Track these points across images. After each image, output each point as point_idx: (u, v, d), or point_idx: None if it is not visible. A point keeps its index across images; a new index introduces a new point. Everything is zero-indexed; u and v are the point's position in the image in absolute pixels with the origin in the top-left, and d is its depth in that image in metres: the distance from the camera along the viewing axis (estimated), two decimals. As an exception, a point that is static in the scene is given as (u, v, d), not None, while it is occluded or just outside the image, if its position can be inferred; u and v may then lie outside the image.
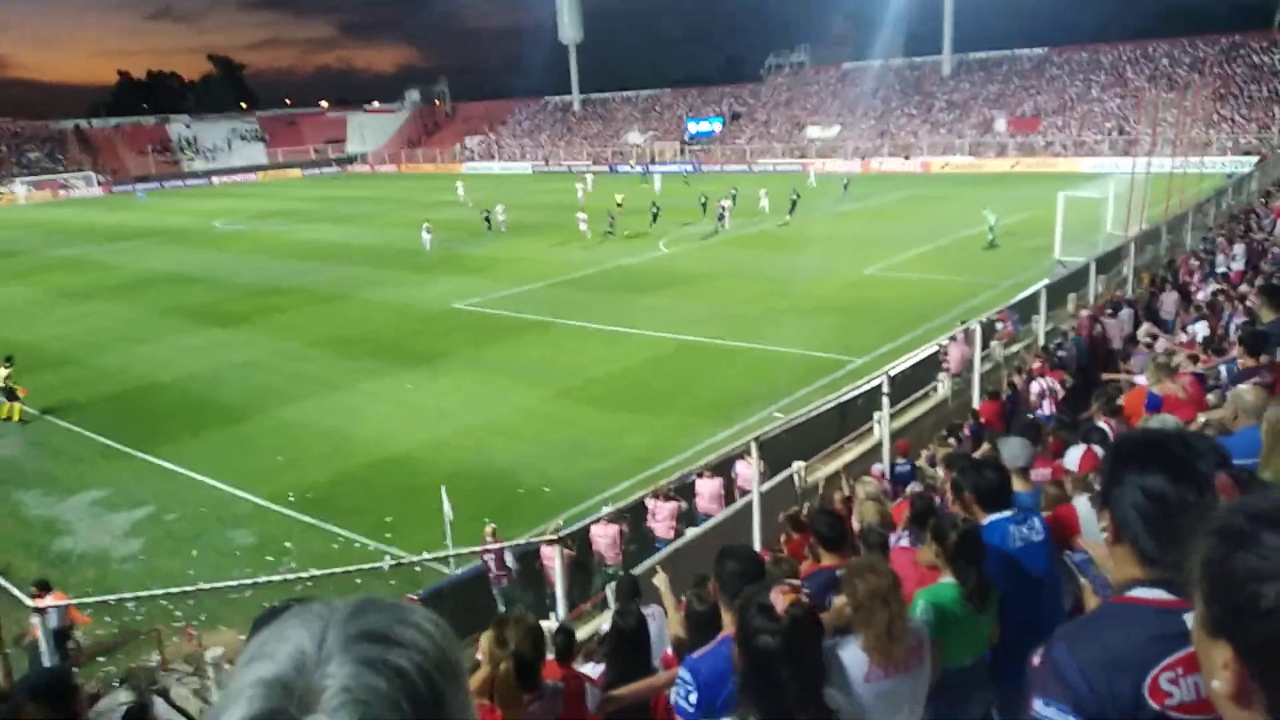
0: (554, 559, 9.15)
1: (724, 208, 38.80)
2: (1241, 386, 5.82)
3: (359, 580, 11.55)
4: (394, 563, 10.11)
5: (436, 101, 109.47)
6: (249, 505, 14.63)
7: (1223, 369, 8.63)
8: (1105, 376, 10.28)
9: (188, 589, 11.12)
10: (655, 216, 39.57)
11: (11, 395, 19.08)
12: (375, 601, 0.89)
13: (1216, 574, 1.01)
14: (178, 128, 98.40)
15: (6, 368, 19.22)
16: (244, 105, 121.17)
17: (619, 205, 41.39)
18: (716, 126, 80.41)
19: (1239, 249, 18.37)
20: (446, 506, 11.67)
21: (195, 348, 23.99)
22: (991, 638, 4.28)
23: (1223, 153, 50.04)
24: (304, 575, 11.36)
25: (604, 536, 10.77)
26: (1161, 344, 12.98)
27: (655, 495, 11.45)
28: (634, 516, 11.51)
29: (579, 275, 31.00)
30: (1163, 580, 1.82)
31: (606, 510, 11.20)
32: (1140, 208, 27.49)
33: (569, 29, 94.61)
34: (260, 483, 15.26)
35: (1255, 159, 41.86)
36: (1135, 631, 1.79)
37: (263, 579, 11.45)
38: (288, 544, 13.32)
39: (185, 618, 10.94)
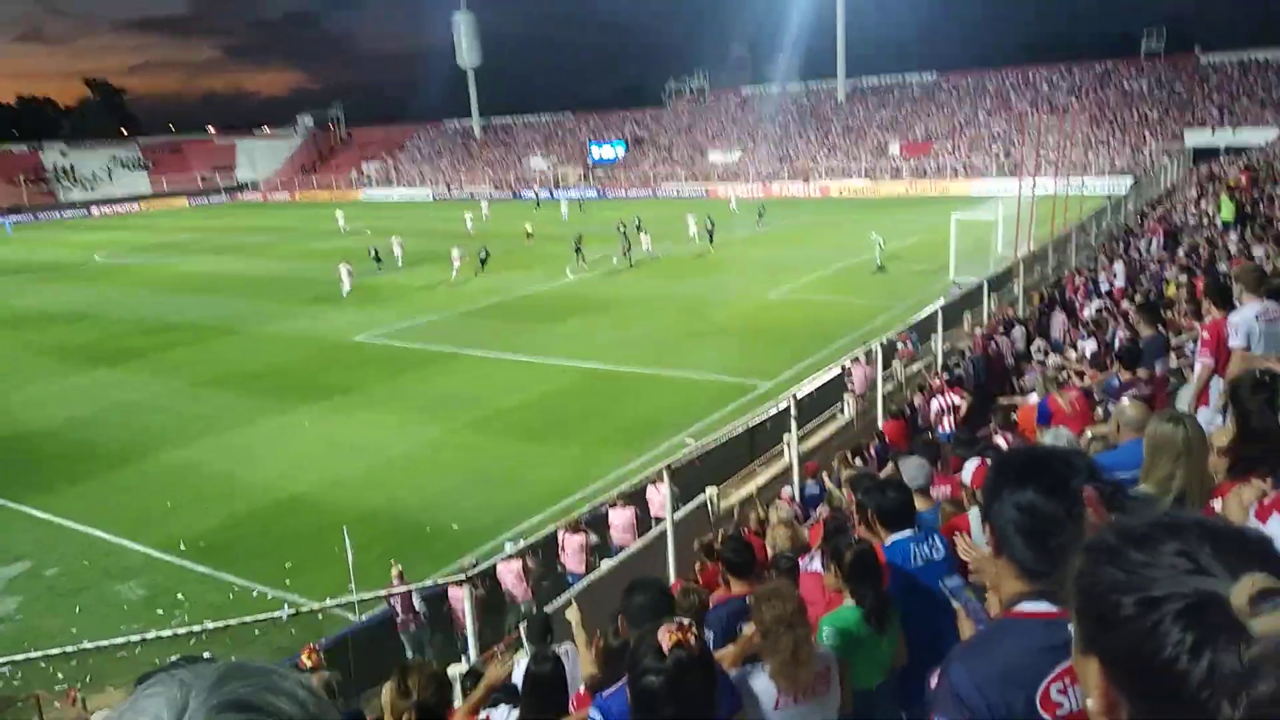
0: (463, 600, 8.87)
1: (625, 236, 38.04)
2: (1123, 401, 6.05)
3: (257, 631, 10.99)
4: (292, 611, 9.65)
5: (330, 126, 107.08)
6: (137, 555, 13.83)
7: (1112, 383, 9.00)
8: (1003, 400, 10.58)
9: (69, 648, 10.40)
10: (578, 248, 36.66)
11: None
12: (242, 667, 0.84)
13: (1084, 589, 1.04)
14: (53, 156, 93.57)
15: None
16: (124, 131, 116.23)
17: (529, 235, 41.12)
18: (620, 151, 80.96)
19: (1119, 267, 19.33)
20: (349, 548, 11.24)
21: (75, 389, 22.70)
22: (897, 658, 4.31)
23: (1101, 174, 52.90)
24: (196, 628, 10.76)
25: (509, 573, 10.53)
26: (1052, 360, 13.51)
27: (566, 528, 11.27)
28: (546, 550, 11.31)
29: (486, 304, 30.64)
30: (1045, 592, 1.89)
31: (510, 546, 10.98)
32: (1028, 229, 28.76)
33: (467, 53, 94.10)
34: (149, 531, 14.46)
35: (1130, 180, 44.34)
36: (1025, 644, 1.85)
37: (152, 634, 10.82)
38: (180, 595, 12.62)
39: (68, 679, 10.22)
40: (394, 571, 10.77)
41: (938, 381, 13.80)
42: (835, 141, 71.62)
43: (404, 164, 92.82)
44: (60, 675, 10.39)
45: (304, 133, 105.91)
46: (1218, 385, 6.24)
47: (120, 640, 10.27)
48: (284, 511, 14.98)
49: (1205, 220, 23.10)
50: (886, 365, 15.32)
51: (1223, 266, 14.22)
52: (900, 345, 17.16)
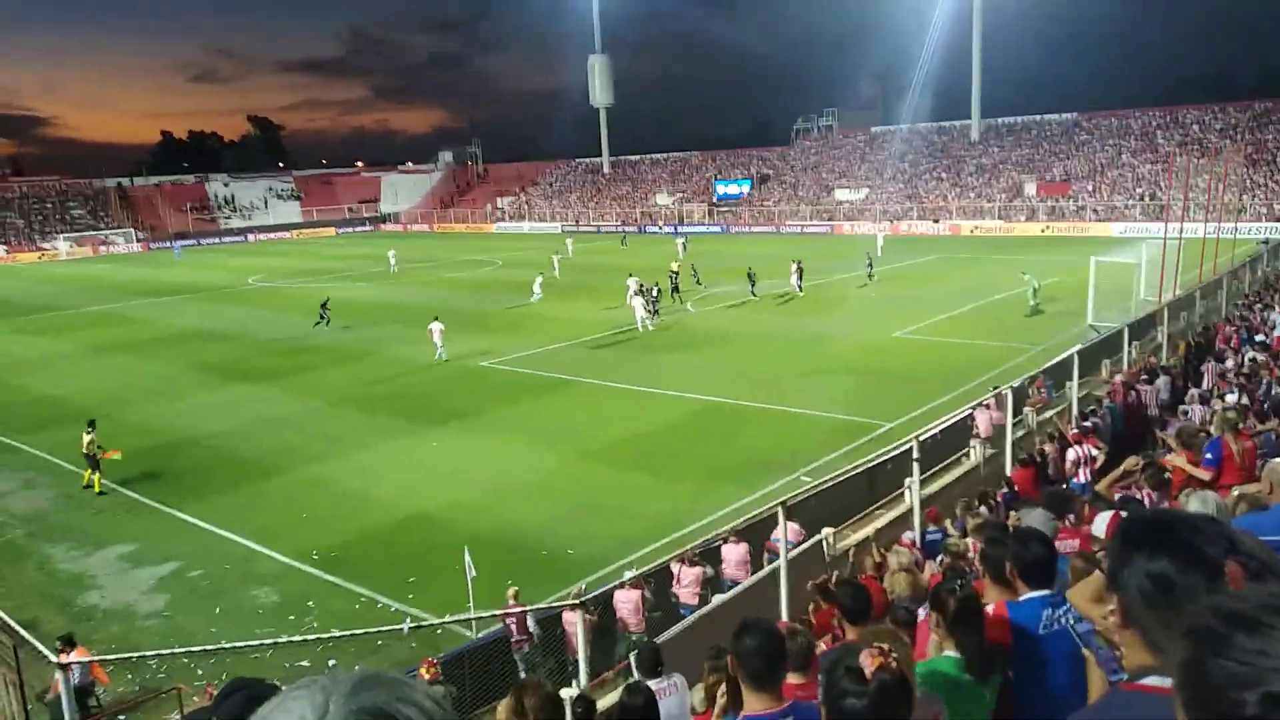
0: (576, 624, 8.99)
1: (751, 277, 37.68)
2: (1276, 460, 5.67)
3: (380, 642, 11.47)
4: (414, 625, 10.00)
5: (469, 162, 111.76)
6: (273, 563, 14.60)
7: (1268, 438, 8.44)
8: (1162, 459, 9.94)
9: (209, 648, 11.07)
10: (674, 286, 37.02)
11: (95, 464, 18.09)
12: (377, 676, 0.91)
13: (1195, 681, 0.96)
14: (216, 186, 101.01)
15: (89, 433, 18.29)
16: (281, 165, 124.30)
17: (674, 270, 41.32)
18: (744, 189, 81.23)
19: (1277, 316, 18.12)
20: (469, 567, 11.56)
21: (224, 404, 24.25)
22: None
23: (1257, 219, 49.75)
24: (324, 636, 11.28)
25: (627, 602, 10.61)
26: (1199, 412, 12.74)
27: (680, 560, 11.28)
28: (659, 582, 11.35)
29: (605, 335, 31.13)
30: None
31: (629, 575, 11.04)
32: (1173, 273, 27.27)
33: (600, 93, 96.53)
34: (284, 540, 15.25)
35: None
36: None
37: (284, 639, 11.40)
38: (310, 603, 13.24)
39: (206, 677, 10.84)
40: (509, 592, 11.01)
41: (1074, 431, 13.21)
42: (967, 181, 69.81)
43: (535, 199, 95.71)
44: (200, 671, 11.06)
45: (444, 168, 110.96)
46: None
47: (255, 643, 10.83)
48: (408, 528, 15.55)
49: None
50: (1017, 411, 14.77)
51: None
52: (1033, 391, 16.52)
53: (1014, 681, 4.27)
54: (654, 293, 33.57)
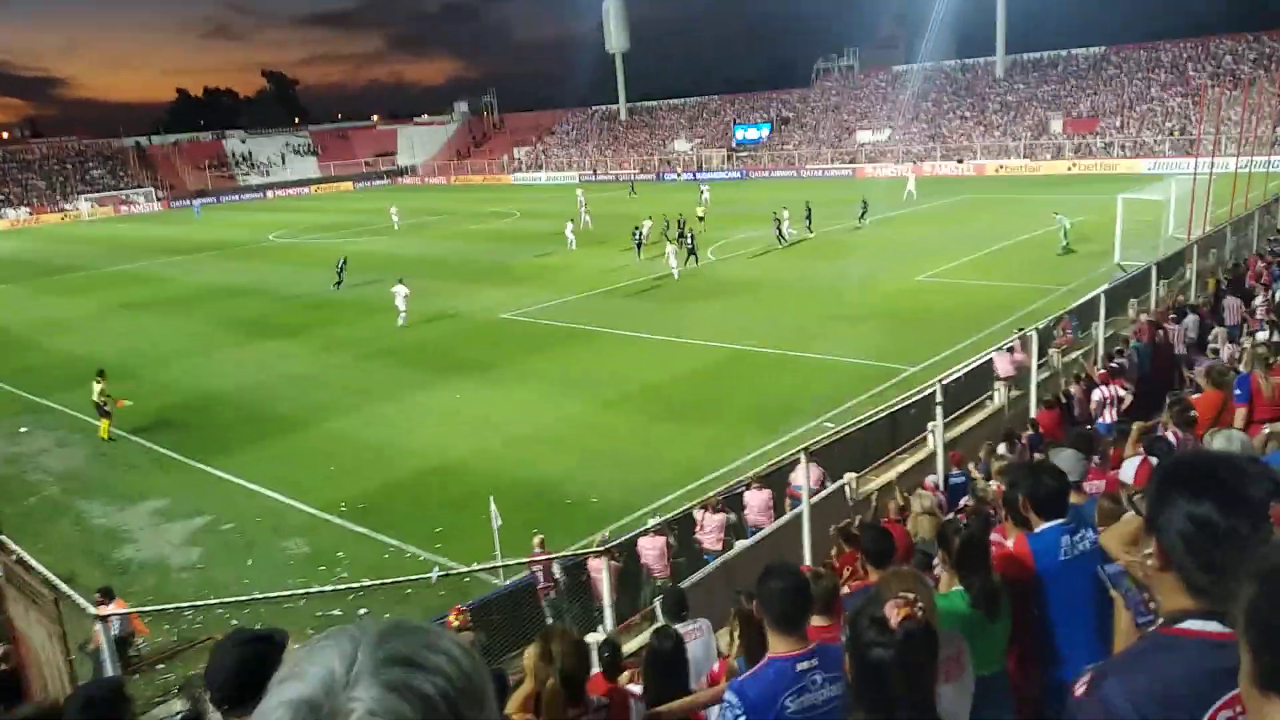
0: (601, 571, 9.09)
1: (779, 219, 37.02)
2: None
3: (409, 590, 11.65)
4: (442, 573, 10.14)
5: (484, 113, 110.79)
6: (302, 515, 14.84)
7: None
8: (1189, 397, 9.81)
9: (243, 599, 11.29)
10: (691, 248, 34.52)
11: (104, 412, 18.68)
12: (405, 625, 0.92)
13: (1263, 624, 0.96)
14: (233, 143, 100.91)
15: (100, 382, 18.86)
16: (297, 120, 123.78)
17: (700, 218, 41.16)
18: (764, 132, 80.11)
19: (1309, 251, 17.71)
20: (495, 516, 11.70)
21: (250, 360, 24.48)
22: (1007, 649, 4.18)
23: (1291, 151, 48.38)
24: (355, 585, 11.48)
25: (652, 549, 10.71)
26: (1227, 351, 12.54)
27: (703, 507, 11.35)
28: (682, 528, 11.44)
29: (626, 284, 31.04)
30: (1215, 612, 1.72)
31: (654, 522, 11.12)
32: (1203, 210, 26.68)
33: (616, 38, 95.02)
34: (313, 493, 15.48)
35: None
36: (1190, 665, 1.70)
37: (315, 589, 11.62)
38: (340, 554, 13.48)
39: (240, 626, 11.10)
40: (535, 540, 11.14)
41: (1100, 371, 13.05)
42: (992, 119, 68.39)
43: (552, 149, 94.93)
44: (234, 622, 11.29)
45: (460, 119, 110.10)
46: None
47: (287, 593, 11.04)
48: (434, 479, 15.73)
49: None
50: (1042, 353, 14.62)
51: None
52: (1058, 332, 16.33)
53: (1040, 610, 4.28)
54: (690, 239, 33.63)
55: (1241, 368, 8.49)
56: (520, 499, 14.08)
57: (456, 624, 8.90)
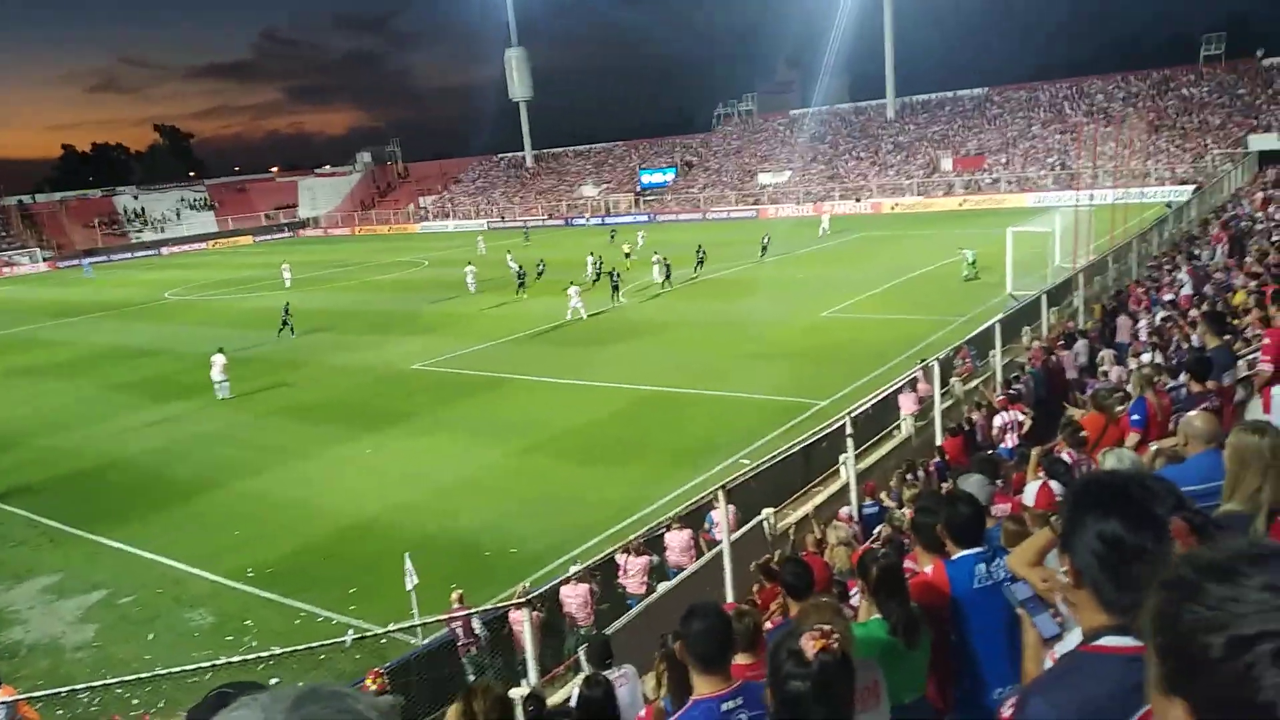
0: (523, 623, 8.93)
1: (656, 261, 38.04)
2: (1191, 413, 5.89)
3: (323, 656, 11.21)
4: (356, 636, 9.82)
5: (389, 162, 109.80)
6: (207, 584, 14.18)
7: (1180, 394, 8.74)
8: (1072, 412, 10.33)
9: (144, 675, 10.69)
10: (599, 275, 37.51)
11: None
12: (320, 690, 0.88)
13: (1166, 628, 1.00)
14: (125, 199, 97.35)
15: None
16: (192, 174, 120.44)
17: (628, 256, 42.02)
18: (669, 176, 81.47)
19: (1184, 276, 18.84)
20: (410, 573, 11.41)
21: (149, 423, 23.44)
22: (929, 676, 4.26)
23: (1161, 183, 51.61)
24: (264, 654, 11.00)
25: (574, 597, 10.58)
26: (1116, 372, 13.19)
27: (625, 550, 11.29)
28: (605, 573, 11.34)
29: (539, 330, 30.95)
30: (1130, 627, 1.79)
31: (575, 569, 11.01)
32: (1086, 239, 28.16)
33: (519, 87, 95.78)
34: (218, 559, 14.83)
35: (1192, 187, 43.19)
36: (1110, 680, 1.76)
37: (222, 660, 11.08)
38: (248, 622, 12.91)
39: (142, 706, 10.53)
40: (454, 595, 10.89)
41: (1000, 397, 13.56)
42: (886, 159, 71.09)
43: (459, 197, 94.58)
44: (135, 701, 10.70)
45: (363, 169, 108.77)
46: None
47: (191, 667, 10.51)
48: (348, 538, 15.26)
49: (1273, 225, 22.40)
50: (945, 382, 15.11)
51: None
52: (959, 361, 16.92)
53: (959, 636, 4.37)
54: (614, 278, 34.68)
55: (1130, 390, 8.94)
56: (439, 553, 13.77)
57: (374, 687, 8.61)
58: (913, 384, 15.37)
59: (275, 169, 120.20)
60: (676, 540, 11.67)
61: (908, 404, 15.24)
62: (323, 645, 10.48)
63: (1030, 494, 6.47)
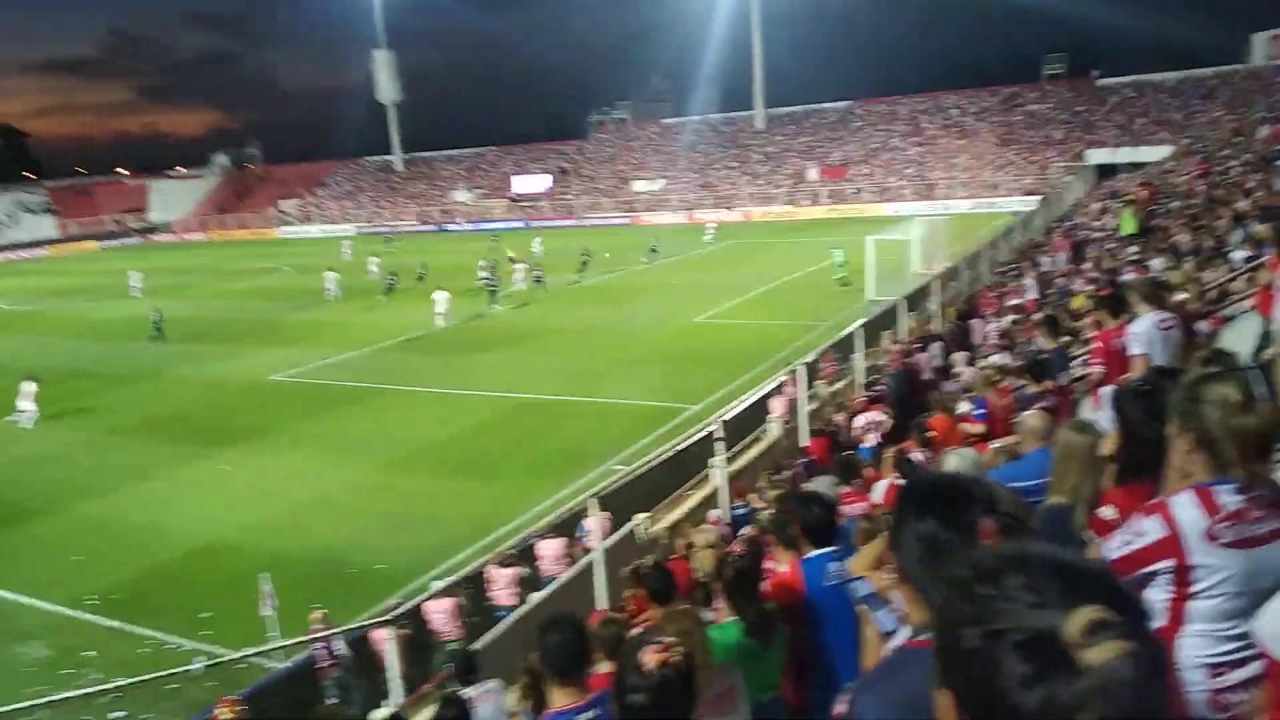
0: (387, 641, 8.63)
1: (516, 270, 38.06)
2: (1027, 412, 6.22)
3: (172, 685, 10.54)
4: (208, 663, 9.27)
5: (248, 165, 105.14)
6: (42, 614, 13.14)
7: (1022, 394, 9.24)
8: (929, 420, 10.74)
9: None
10: (539, 279, 37.22)
11: None
12: None
13: (939, 623, 1.08)
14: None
15: None
16: (30, 175, 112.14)
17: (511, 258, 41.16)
18: (544, 183, 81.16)
19: (1029, 281, 19.98)
20: (267, 594, 10.88)
21: (-24, 442, 21.62)
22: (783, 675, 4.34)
23: (1009, 193, 54.78)
24: (107, 687, 10.26)
25: (439, 611, 10.31)
26: (968, 373, 13.85)
27: (495, 562, 11.10)
28: (476, 586, 11.12)
29: (408, 338, 30.21)
30: None
31: (438, 585, 10.77)
32: (942, 247, 29.55)
33: (386, 89, 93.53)
34: (55, 588, 13.76)
35: (1038, 198, 46.02)
36: (930, 674, 1.79)
37: (59, 696, 10.28)
38: (90, 653, 12.02)
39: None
40: (315, 615, 10.44)
41: (861, 399, 14.02)
42: (756, 169, 72.88)
43: (324, 201, 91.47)
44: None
45: (219, 172, 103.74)
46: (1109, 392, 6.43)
47: (25, 704, 9.74)
48: (201, 560, 14.44)
49: (1108, 234, 24.07)
50: (810, 385, 15.52)
51: (1126, 277, 14.79)
52: (823, 365, 17.42)
53: (813, 633, 4.45)
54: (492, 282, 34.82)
55: (975, 390, 9.39)
56: (300, 573, 13.19)
57: (229, 715, 8.14)
58: (780, 387, 15.74)
59: (124, 171, 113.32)
60: (549, 550, 11.55)
61: (777, 407, 15.58)
62: (172, 674, 9.86)
63: (879, 492, 6.70)
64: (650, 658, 2.48)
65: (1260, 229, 9.06)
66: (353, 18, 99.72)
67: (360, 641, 10.00)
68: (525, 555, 11.62)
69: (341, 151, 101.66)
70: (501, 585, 11.03)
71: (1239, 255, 11.42)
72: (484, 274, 36.24)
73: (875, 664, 2.81)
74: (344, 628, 10.33)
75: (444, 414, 21.26)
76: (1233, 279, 10.55)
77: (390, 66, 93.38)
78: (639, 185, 76.06)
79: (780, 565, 5.00)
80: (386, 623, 9.12)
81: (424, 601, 10.24)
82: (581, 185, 79.82)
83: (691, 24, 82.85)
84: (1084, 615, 0.92)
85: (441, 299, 31.16)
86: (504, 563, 11.13)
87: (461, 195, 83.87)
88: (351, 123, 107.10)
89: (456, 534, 14.47)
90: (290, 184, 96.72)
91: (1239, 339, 6.96)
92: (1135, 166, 46.37)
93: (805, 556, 4.68)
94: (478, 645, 8.96)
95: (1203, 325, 8.90)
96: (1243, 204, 16.46)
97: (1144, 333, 6.53)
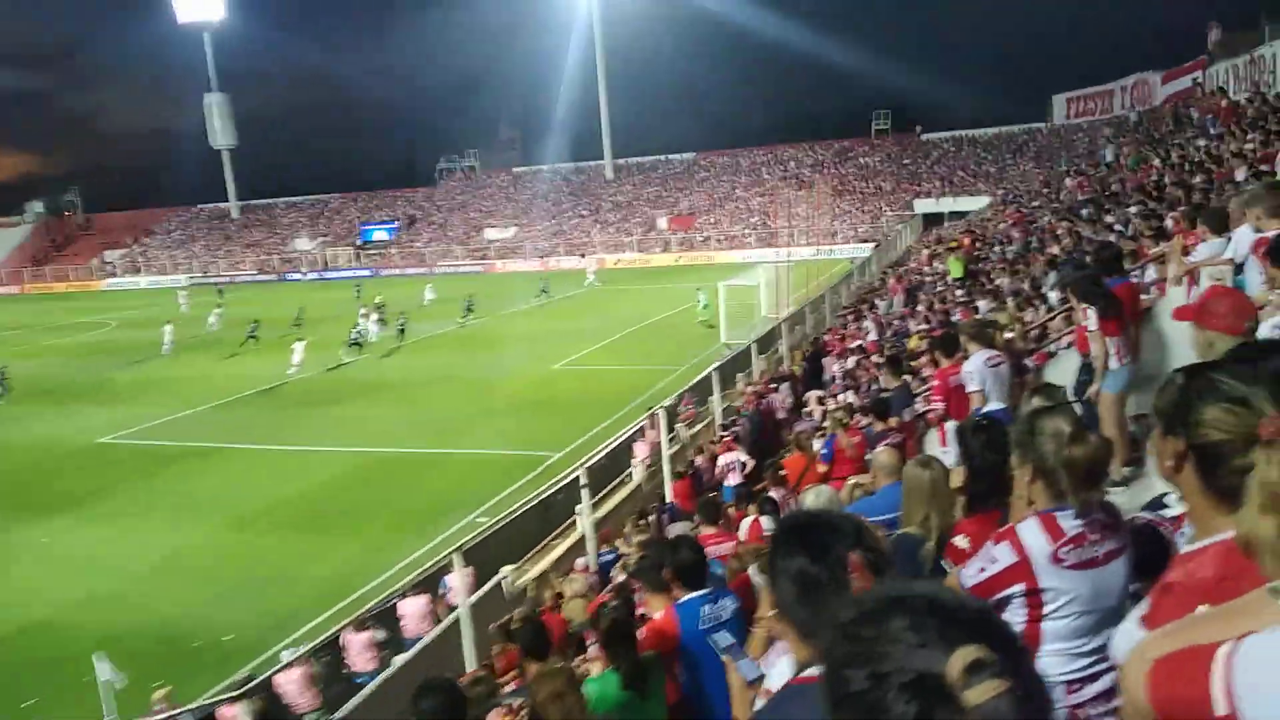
0: (240, 719, 8.13)
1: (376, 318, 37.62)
2: (878, 449, 6.58)
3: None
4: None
5: (67, 213, 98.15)
6: None
7: (870, 432, 9.72)
8: (783, 460, 11.15)
9: None
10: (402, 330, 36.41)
11: None
12: None
13: (826, 665, 1.10)
14: None
15: None
16: None
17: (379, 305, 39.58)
18: (392, 232, 79.63)
19: (869, 324, 21.09)
20: (106, 673, 10.03)
21: None
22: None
23: (847, 241, 57.85)
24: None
25: (290, 683, 9.78)
26: (819, 412, 14.45)
27: (351, 627, 10.67)
28: (332, 652, 10.63)
29: (254, 392, 28.79)
30: None
31: (287, 655, 10.25)
32: (787, 292, 30.81)
33: (221, 134, 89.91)
34: None
35: (872, 245, 48.77)
36: (813, 710, 1.86)
37: None
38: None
39: None
40: (158, 694, 9.70)
41: (719, 441, 14.36)
42: (607, 217, 74.07)
43: (153, 250, 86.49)
44: None
45: (35, 219, 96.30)
46: (953, 428, 6.88)
47: None
48: (21, 642, 13.16)
49: (938, 277, 25.76)
50: (670, 428, 15.78)
51: (956, 318, 15.86)
52: (682, 408, 17.76)
53: (690, 677, 4.50)
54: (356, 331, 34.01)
55: (827, 429, 9.82)
56: (138, 649, 12.20)
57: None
58: (642, 432, 15.93)
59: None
60: (411, 608, 11.18)
61: (640, 451, 15.75)
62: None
63: (743, 529, 6.89)
64: None
65: (1066, 279, 9.97)
66: (184, 59, 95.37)
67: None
68: (386, 616, 11.21)
69: (173, 198, 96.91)
70: (357, 651, 10.59)
71: (1054, 296, 12.45)
72: (360, 326, 35.19)
73: (765, 703, 2.90)
74: (190, 706, 9.65)
75: (291, 471, 20.31)
76: (1052, 318, 11.51)
77: (224, 110, 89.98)
78: (491, 233, 75.82)
79: (654, 611, 5.04)
80: (234, 698, 8.61)
81: (275, 674, 9.71)
82: (431, 233, 78.83)
83: (538, 74, 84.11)
84: (964, 656, 0.96)
85: (299, 348, 29.99)
86: (359, 626, 10.71)
87: (303, 243, 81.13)
88: (183, 168, 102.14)
89: (311, 597, 13.79)
90: (115, 233, 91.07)
91: (1060, 374, 7.60)
92: (958, 215, 49.94)
93: (679, 601, 4.74)
94: (340, 714, 8.56)
95: (1028, 362, 9.67)
96: (1054, 249, 18.00)
97: (976, 370, 7.02)
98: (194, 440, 23.39)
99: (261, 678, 9.47)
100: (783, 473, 9.29)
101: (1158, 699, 1.26)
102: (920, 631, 1.01)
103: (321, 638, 10.82)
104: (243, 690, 8.63)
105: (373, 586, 13.76)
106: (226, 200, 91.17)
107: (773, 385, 17.37)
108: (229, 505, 18.23)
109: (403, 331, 36.14)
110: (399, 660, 10.02)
